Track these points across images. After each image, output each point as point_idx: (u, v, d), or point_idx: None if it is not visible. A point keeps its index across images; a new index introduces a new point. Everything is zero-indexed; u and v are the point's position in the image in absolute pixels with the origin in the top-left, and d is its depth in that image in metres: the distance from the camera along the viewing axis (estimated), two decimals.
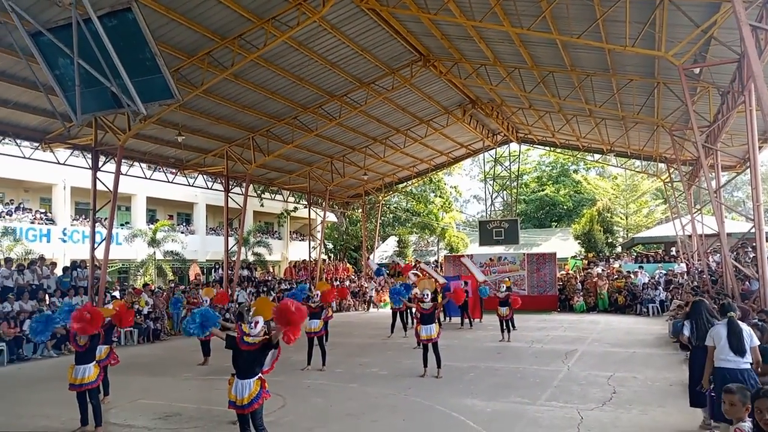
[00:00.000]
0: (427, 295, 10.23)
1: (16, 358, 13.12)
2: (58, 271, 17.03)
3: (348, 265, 33.25)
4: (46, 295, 15.23)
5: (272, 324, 5.81)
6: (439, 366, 10.12)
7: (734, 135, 17.61)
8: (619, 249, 33.85)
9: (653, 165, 26.47)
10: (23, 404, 8.91)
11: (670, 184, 24.61)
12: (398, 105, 21.58)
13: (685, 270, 22.17)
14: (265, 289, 23.76)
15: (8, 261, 16.01)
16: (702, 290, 13.94)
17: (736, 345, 5.64)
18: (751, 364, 5.65)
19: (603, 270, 24.57)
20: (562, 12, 12.34)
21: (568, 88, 17.81)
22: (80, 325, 6.85)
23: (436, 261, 34.52)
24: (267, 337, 5.75)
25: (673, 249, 26.39)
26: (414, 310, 11.95)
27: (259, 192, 28.00)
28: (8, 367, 12.60)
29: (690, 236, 22.15)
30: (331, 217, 35.78)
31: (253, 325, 5.82)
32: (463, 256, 26.00)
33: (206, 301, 12.46)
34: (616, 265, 25.54)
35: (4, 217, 21.92)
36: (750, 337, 5.72)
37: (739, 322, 5.86)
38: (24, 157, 17.09)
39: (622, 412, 7.54)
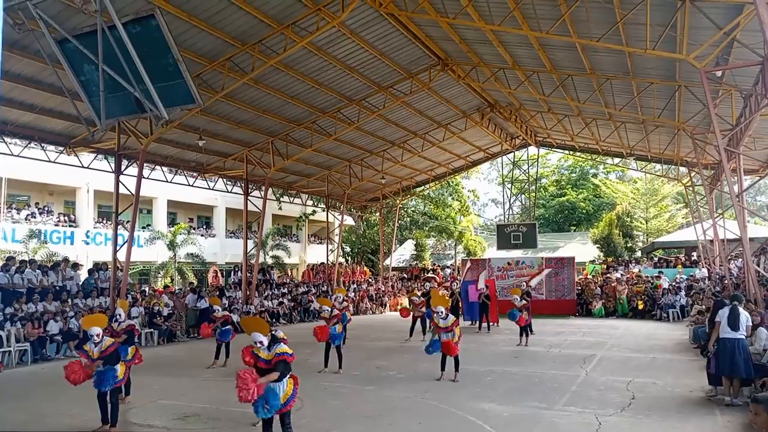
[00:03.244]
0: (442, 312, 10.01)
1: (39, 357, 13.36)
2: (82, 273, 17.30)
3: (365, 268, 33.33)
4: (69, 297, 15.49)
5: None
6: (456, 370, 10.13)
7: (757, 138, 17.33)
8: (639, 253, 33.48)
9: (674, 169, 26.15)
10: (47, 403, 9.09)
11: (691, 188, 24.30)
12: (416, 109, 21.60)
13: (707, 275, 21.86)
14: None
15: (32, 262, 16.32)
16: (723, 295, 13.72)
17: (732, 323, 7.94)
18: (745, 336, 7.98)
19: (622, 275, 24.30)
20: (582, 15, 12.26)
21: (588, 91, 17.68)
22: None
23: (452, 265, 34.47)
24: (278, 358, 5.74)
25: (694, 253, 26.02)
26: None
27: (278, 195, 28.21)
28: (32, 366, 12.86)
29: (712, 241, 21.82)
30: (349, 221, 35.92)
31: (259, 345, 5.80)
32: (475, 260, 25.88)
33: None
34: (636, 269, 25.26)
35: (29, 219, 22.40)
36: (746, 319, 8.03)
37: (740, 308, 8.07)
38: (49, 161, 17.51)
39: (641, 418, 7.49)
